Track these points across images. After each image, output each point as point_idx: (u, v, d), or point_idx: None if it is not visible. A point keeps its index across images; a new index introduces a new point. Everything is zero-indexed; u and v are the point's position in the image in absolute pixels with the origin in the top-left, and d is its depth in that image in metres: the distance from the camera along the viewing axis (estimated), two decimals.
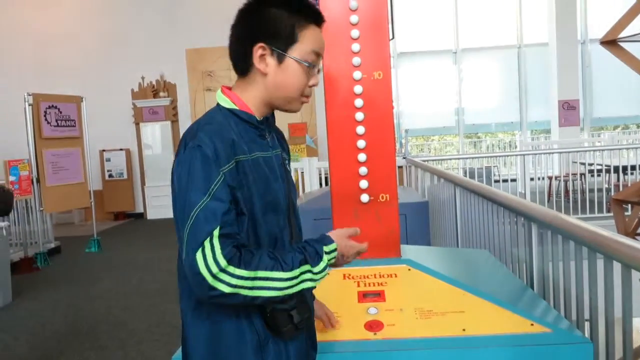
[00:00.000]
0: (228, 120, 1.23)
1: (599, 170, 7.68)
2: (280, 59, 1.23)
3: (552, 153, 8.32)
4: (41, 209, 6.81)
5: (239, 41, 1.25)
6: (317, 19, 1.26)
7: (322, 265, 1.21)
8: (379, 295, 1.78)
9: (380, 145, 1.93)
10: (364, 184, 1.94)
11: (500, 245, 2.66)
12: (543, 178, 8.57)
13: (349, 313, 1.71)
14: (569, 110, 10.70)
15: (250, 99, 1.26)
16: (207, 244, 1.10)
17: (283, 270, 1.15)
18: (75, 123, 7.08)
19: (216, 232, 1.11)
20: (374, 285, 1.83)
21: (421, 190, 5.63)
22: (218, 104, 1.28)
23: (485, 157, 8.67)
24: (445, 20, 12.03)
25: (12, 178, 6.29)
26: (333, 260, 1.26)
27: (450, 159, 9.03)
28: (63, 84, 9.51)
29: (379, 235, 1.96)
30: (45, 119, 6.61)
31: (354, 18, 1.88)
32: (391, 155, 1.95)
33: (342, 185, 1.95)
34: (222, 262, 1.09)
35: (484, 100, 12.37)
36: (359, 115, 1.91)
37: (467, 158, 8.59)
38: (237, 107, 1.25)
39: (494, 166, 10.40)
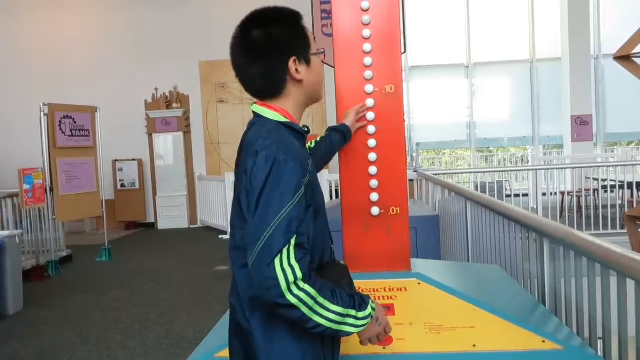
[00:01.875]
0: (288, 133, 1.31)
1: (612, 186, 7.59)
2: (307, 62, 1.35)
3: (565, 168, 8.26)
4: (54, 217, 6.87)
5: (268, 68, 1.31)
6: (299, 17, 1.37)
7: (367, 312, 1.25)
8: (388, 309, 1.77)
9: (392, 159, 1.93)
10: (374, 196, 1.93)
11: (512, 260, 2.64)
12: (555, 193, 8.50)
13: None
14: (581, 125, 10.63)
15: (293, 110, 1.36)
16: (285, 251, 1.14)
17: (337, 304, 1.19)
18: (89, 133, 7.16)
19: (293, 241, 1.15)
20: (383, 298, 1.82)
21: (432, 204, 5.61)
22: (265, 118, 1.33)
23: (497, 171, 8.63)
24: (458, 34, 12.07)
25: (26, 186, 6.36)
26: (370, 319, 1.27)
27: (461, 173, 9.00)
28: (78, 94, 9.64)
29: (389, 249, 1.95)
30: (60, 129, 6.70)
31: (366, 32, 1.89)
32: (402, 168, 1.95)
33: (353, 197, 1.96)
34: (299, 273, 1.14)
35: (496, 114, 12.34)
36: (371, 128, 1.92)
37: (478, 172, 8.56)
38: (289, 121, 1.34)
39: (506, 181, 10.34)
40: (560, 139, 11.78)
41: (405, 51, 4.78)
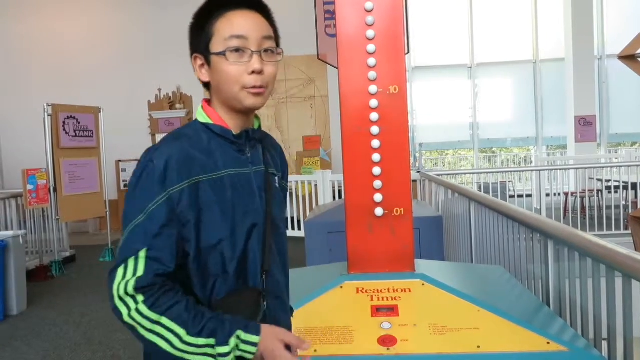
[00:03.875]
0: (199, 135, 1.17)
1: (616, 187, 7.58)
2: (208, 62, 1.18)
3: (569, 169, 8.24)
4: (57, 217, 6.89)
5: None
6: (228, 4, 1.17)
7: (225, 349, 1.04)
8: (392, 310, 1.77)
9: (396, 159, 1.93)
10: (378, 197, 1.93)
11: (516, 261, 2.63)
12: (559, 194, 8.48)
13: (362, 327, 1.70)
14: (585, 126, 10.61)
15: (219, 110, 1.22)
16: (130, 261, 1.06)
17: (188, 331, 1.04)
18: (92, 133, 7.18)
19: (142, 253, 1.06)
20: (387, 299, 1.82)
21: (435, 204, 5.61)
22: (196, 119, 1.24)
23: (500, 172, 8.61)
24: (461, 35, 12.05)
25: (29, 187, 6.38)
26: (247, 355, 1.06)
27: (464, 174, 8.99)
28: (82, 94, 9.66)
29: (393, 249, 1.95)
30: (64, 129, 6.72)
31: (370, 33, 1.89)
32: (406, 169, 1.95)
33: (357, 198, 1.96)
34: (130, 287, 1.05)
35: (499, 115, 12.32)
36: (375, 129, 1.92)
37: (481, 173, 8.54)
38: (211, 122, 1.20)
39: (509, 181, 10.32)
40: (563, 140, 11.75)
41: (408, 52, 4.77)
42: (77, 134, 6.94)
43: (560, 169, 8.21)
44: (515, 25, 11.96)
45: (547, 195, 8.24)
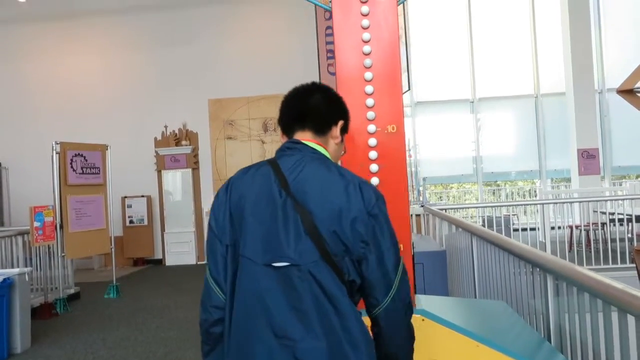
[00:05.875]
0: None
1: (621, 220, 7.56)
2: (342, 136, 1.60)
3: (573, 202, 8.24)
4: (63, 254, 6.92)
5: (332, 108, 1.57)
6: None
7: None
8: None
9: (395, 197, 1.97)
10: None
11: (518, 296, 2.64)
12: (564, 227, 8.46)
13: None
14: (588, 159, 10.65)
15: (331, 153, 1.56)
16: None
17: None
18: (99, 170, 7.29)
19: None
20: None
21: (439, 238, 5.61)
22: (323, 154, 1.51)
23: (504, 205, 8.61)
24: (462, 70, 12.26)
25: (37, 224, 6.44)
26: None
27: (467, 208, 9.01)
28: (89, 131, 9.85)
29: None
30: (71, 167, 6.83)
31: (368, 75, 1.97)
32: (405, 206, 1.99)
33: None
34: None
35: (503, 148, 12.41)
36: (374, 167, 1.97)
37: (485, 206, 8.55)
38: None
39: (514, 214, 10.30)
40: (567, 173, 11.78)
41: (409, 89, 4.88)
42: (84, 171, 7.04)
43: (564, 202, 8.21)
44: (516, 61, 12.17)
45: (552, 228, 8.22)
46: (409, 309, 1.43)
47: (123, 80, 11.03)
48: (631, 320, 1.48)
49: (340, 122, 1.58)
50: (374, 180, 1.97)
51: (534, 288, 2.30)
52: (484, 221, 7.26)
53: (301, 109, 1.53)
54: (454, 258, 4.80)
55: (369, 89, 1.97)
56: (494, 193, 14.44)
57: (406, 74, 4.78)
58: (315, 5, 2.13)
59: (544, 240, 7.70)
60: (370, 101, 1.97)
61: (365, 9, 1.96)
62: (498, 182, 14.59)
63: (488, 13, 12.23)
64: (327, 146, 1.56)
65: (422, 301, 2.07)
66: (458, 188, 15.02)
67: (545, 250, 6.54)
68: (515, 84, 12.16)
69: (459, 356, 1.71)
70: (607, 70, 11.86)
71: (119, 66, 11.09)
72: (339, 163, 1.65)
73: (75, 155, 6.95)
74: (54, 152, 6.70)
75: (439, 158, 12.47)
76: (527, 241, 6.69)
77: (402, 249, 1.99)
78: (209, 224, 1.48)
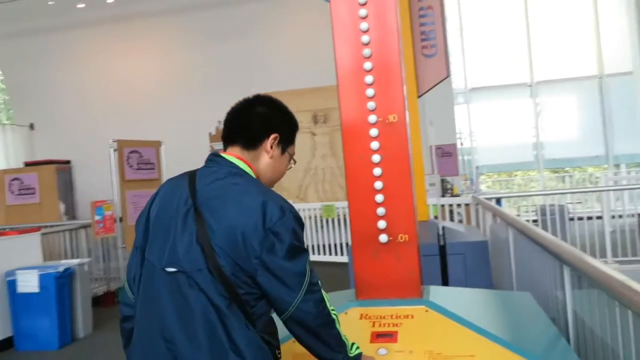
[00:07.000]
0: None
1: None
2: (282, 150, 1.60)
3: (635, 189, 7.73)
4: (123, 246, 7.30)
5: (262, 122, 1.58)
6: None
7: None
8: (391, 336, 1.77)
9: (398, 186, 1.96)
10: (382, 224, 1.96)
11: (545, 289, 2.54)
12: (633, 215, 7.97)
13: None
14: None
15: (259, 170, 1.57)
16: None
17: None
18: (154, 166, 7.61)
19: None
20: (388, 325, 1.83)
21: (483, 229, 5.46)
22: (242, 169, 1.51)
23: (557, 193, 8.10)
24: (519, 53, 11.77)
25: (97, 217, 6.83)
26: None
27: (514, 196, 8.60)
28: (145, 128, 10.29)
29: (398, 276, 1.96)
30: (128, 163, 7.17)
31: (367, 65, 1.95)
32: (409, 195, 1.96)
33: (361, 225, 1.99)
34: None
35: (565, 133, 11.83)
36: (376, 157, 1.96)
37: (533, 195, 8.17)
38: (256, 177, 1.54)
39: (577, 202, 9.78)
40: (638, 157, 11.08)
41: (448, 75, 4.76)
42: (140, 167, 7.38)
43: (626, 189, 7.72)
44: (577, 40, 11.52)
45: (620, 216, 7.74)
46: (318, 318, 1.42)
47: (176, 77, 11.44)
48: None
49: (273, 136, 1.57)
50: (377, 171, 1.96)
51: (555, 280, 2.21)
52: (537, 211, 6.95)
53: (230, 125, 1.61)
54: (497, 249, 4.66)
55: (368, 79, 1.95)
56: (563, 180, 13.80)
57: (445, 59, 4.67)
58: None
59: (611, 229, 7.18)
60: (370, 91, 1.95)
61: None
62: (566, 169, 13.92)
63: None
64: (258, 161, 1.56)
65: (434, 292, 2.04)
66: (523, 176, 14.47)
67: (605, 241, 6.19)
68: (577, 65, 11.52)
69: (457, 348, 1.68)
70: None
71: (173, 64, 11.51)
72: (280, 179, 1.67)
73: (131, 152, 7.29)
74: (112, 149, 7.07)
75: (497, 145, 12.06)
76: (585, 231, 6.36)
77: (407, 239, 1.98)
78: None
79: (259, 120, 1.58)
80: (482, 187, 13.39)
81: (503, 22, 11.99)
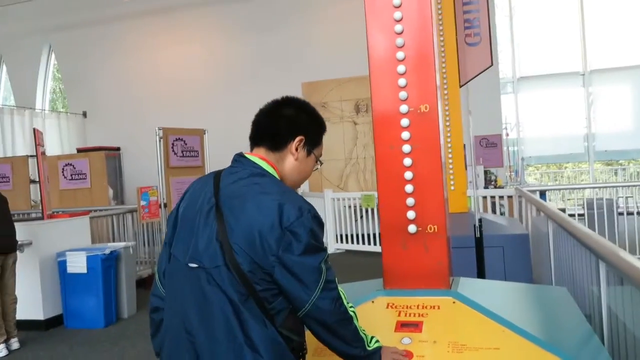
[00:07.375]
0: None
1: None
2: (308, 152, 1.61)
3: None
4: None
5: (288, 124, 1.60)
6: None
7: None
8: (416, 326, 1.78)
9: (428, 177, 1.94)
10: (411, 214, 1.95)
11: (582, 285, 2.47)
12: None
13: (383, 342, 1.72)
14: None
15: (284, 171, 1.59)
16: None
17: None
18: (198, 154, 7.79)
19: None
20: (414, 315, 1.83)
21: (525, 222, 5.33)
22: (264, 169, 1.54)
23: (604, 186, 7.72)
24: (571, 40, 11.31)
25: (143, 203, 7.08)
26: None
27: (557, 189, 8.31)
28: (189, 116, 10.54)
29: (427, 266, 1.96)
30: (173, 150, 7.37)
31: (400, 54, 1.94)
32: (439, 186, 1.95)
33: (390, 215, 1.99)
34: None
35: (619, 124, 11.32)
36: (406, 148, 1.95)
37: (579, 188, 7.87)
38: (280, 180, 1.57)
39: (629, 197, 9.37)
40: None
41: (492, 64, 4.64)
42: (184, 154, 7.57)
43: None
44: (632, 27, 10.97)
45: None
46: (334, 315, 1.44)
47: (220, 67, 11.63)
48: None
49: (299, 138, 1.58)
50: (407, 161, 1.95)
51: (592, 276, 2.15)
52: (584, 205, 6.71)
53: (257, 126, 1.63)
54: (539, 242, 4.55)
55: (401, 68, 1.94)
56: (615, 173, 13.26)
57: (489, 48, 4.56)
58: None
59: None
60: (402, 81, 1.94)
61: None
62: (621, 162, 13.35)
63: None
64: (283, 162, 1.59)
65: (465, 284, 2.03)
66: (573, 168, 13.98)
67: None
68: (632, 53, 10.98)
69: (482, 340, 1.66)
70: None
71: (216, 54, 11.71)
72: (305, 180, 1.68)
73: (176, 139, 7.48)
74: (157, 137, 7.27)
75: (545, 136, 11.68)
76: (634, 226, 6.11)
77: (436, 230, 1.97)
78: None
79: (285, 122, 1.60)
80: (530, 179, 13.03)
81: (555, 9, 11.54)
